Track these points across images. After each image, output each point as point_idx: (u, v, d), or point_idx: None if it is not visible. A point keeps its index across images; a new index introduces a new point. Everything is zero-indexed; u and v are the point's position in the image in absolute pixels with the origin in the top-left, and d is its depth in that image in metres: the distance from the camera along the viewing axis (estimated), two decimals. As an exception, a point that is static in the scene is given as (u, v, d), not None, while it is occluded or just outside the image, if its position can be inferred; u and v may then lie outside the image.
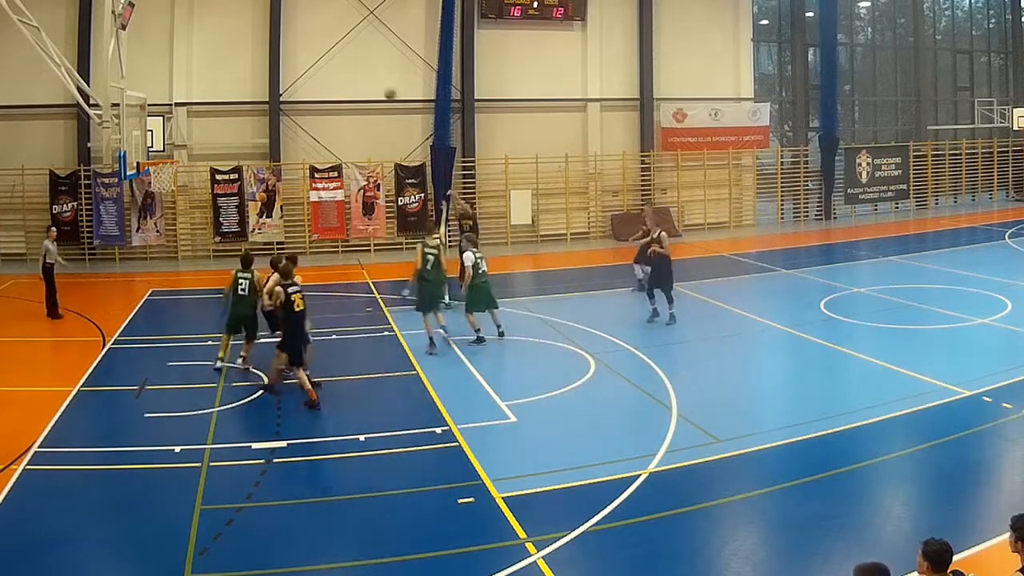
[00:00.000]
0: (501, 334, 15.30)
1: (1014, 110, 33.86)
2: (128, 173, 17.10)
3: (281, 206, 25.49)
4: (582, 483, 9.23)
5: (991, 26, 37.13)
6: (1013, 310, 16.35)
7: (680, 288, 19.60)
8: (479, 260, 15.13)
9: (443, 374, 13.39)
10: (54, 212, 24.13)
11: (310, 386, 11.97)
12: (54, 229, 18.38)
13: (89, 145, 23.57)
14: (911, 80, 34.74)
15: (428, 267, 15.00)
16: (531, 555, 7.74)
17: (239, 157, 25.24)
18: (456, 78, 26.52)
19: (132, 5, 17.12)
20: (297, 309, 12.04)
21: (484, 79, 27.16)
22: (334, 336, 15.57)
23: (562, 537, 8.02)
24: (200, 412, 11.52)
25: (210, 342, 15.03)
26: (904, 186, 33.01)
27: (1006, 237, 25.99)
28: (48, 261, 17.18)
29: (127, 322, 17.23)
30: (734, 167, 30.05)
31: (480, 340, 14.88)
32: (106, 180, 23.64)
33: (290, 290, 12.00)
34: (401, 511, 8.86)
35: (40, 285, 17.64)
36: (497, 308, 15.44)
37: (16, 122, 24.13)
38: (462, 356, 14.39)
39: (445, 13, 25.73)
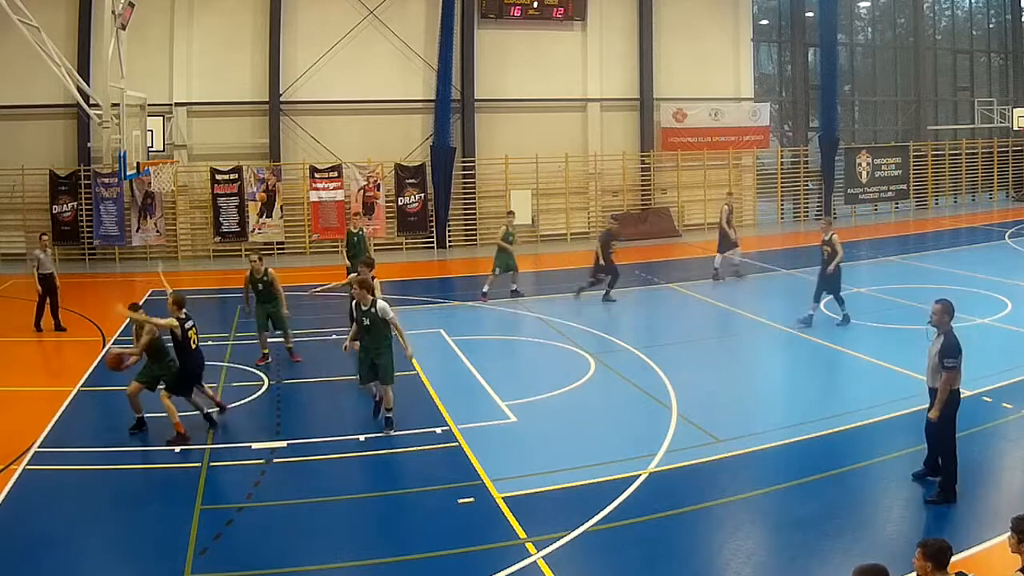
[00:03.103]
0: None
1: (1014, 110, 33.88)
2: (128, 173, 17.09)
3: (281, 206, 25.49)
4: (582, 483, 9.23)
5: (991, 26, 37.13)
6: (1013, 310, 16.35)
7: (681, 288, 19.68)
8: None
9: (443, 374, 13.39)
10: (54, 212, 24.15)
11: (178, 420, 10.61)
12: (46, 236, 17.52)
13: (89, 145, 23.58)
14: (911, 80, 34.73)
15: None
16: (531, 555, 7.75)
17: (239, 157, 25.24)
18: (456, 78, 26.52)
19: (132, 5, 17.12)
20: (193, 346, 10.87)
21: (484, 79, 27.15)
22: (334, 336, 15.55)
23: (562, 537, 8.02)
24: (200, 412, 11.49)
25: (210, 342, 15.04)
26: (904, 186, 33.00)
27: (1006, 237, 25.99)
28: (41, 271, 16.35)
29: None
30: (734, 167, 30.05)
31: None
32: (106, 180, 23.65)
33: (186, 325, 10.78)
34: (401, 511, 8.87)
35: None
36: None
37: (16, 122, 24.13)
38: (462, 356, 14.39)
39: (445, 13, 25.73)
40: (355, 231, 17.83)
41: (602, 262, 18.59)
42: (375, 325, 10.82)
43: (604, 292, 18.73)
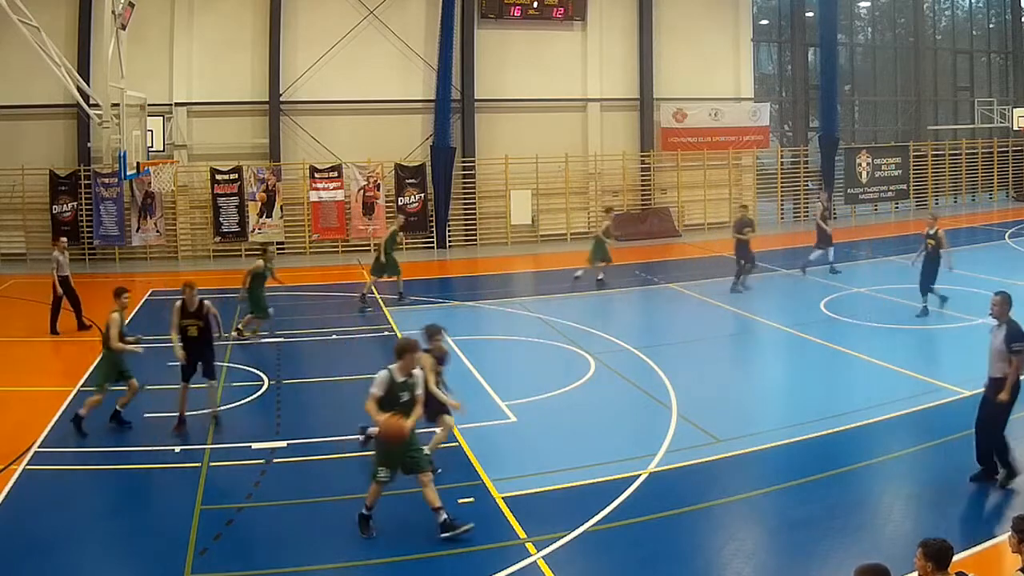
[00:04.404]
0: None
1: (1014, 110, 33.86)
2: (128, 173, 17.09)
3: (281, 206, 25.48)
4: (582, 483, 9.23)
5: (991, 26, 37.13)
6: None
7: (681, 288, 19.69)
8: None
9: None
10: (54, 212, 24.14)
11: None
12: (64, 239, 17.44)
13: (89, 145, 23.57)
14: (911, 80, 34.73)
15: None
16: (531, 555, 7.74)
17: (239, 157, 25.24)
18: (456, 78, 26.52)
19: (132, 5, 17.12)
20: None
21: (484, 79, 27.15)
22: (334, 336, 15.57)
23: (562, 537, 8.02)
24: (200, 412, 11.49)
25: (210, 342, 15.02)
26: (904, 186, 33.00)
27: (1006, 237, 25.98)
28: (60, 273, 16.19)
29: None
30: (734, 167, 30.04)
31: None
32: (106, 180, 23.64)
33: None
34: (401, 511, 8.85)
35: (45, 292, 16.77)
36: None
37: (16, 122, 24.12)
38: (462, 356, 14.38)
39: (445, 13, 25.73)
40: (398, 230, 19.72)
41: (745, 234, 19.00)
42: (415, 403, 8.11)
43: (733, 282, 19.02)
